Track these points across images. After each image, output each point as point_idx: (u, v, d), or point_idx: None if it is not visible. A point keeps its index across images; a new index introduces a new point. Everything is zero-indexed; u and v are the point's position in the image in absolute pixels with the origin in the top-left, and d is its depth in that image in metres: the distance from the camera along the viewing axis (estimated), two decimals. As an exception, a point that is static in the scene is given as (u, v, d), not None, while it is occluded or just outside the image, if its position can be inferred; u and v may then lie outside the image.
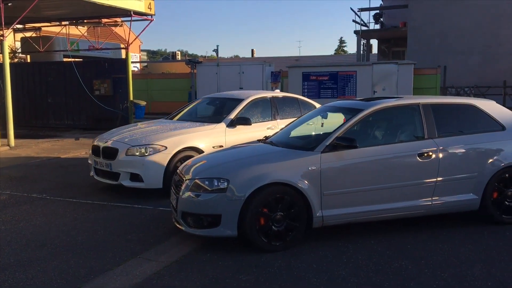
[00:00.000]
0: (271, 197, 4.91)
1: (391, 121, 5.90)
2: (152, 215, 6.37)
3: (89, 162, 8.20)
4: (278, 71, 21.48)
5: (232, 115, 8.10)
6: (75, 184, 8.38)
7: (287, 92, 15.12)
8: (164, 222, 6.01)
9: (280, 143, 5.79)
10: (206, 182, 5.02)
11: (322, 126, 6.29)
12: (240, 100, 8.44)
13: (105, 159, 7.58)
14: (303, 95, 14.19)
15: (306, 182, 5.02)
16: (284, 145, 5.68)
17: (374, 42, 31.43)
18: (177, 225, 5.29)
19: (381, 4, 29.95)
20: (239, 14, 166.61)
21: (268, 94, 9.16)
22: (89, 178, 8.81)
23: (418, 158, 5.39)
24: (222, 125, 7.99)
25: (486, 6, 21.77)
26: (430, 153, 5.43)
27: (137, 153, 7.28)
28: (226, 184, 4.91)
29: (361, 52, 27.96)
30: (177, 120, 8.82)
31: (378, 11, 28.82)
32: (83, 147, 13.02)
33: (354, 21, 27.05)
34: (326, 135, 5.39)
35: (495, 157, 5.66)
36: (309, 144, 5.48)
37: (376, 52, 31.83)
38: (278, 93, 9.67)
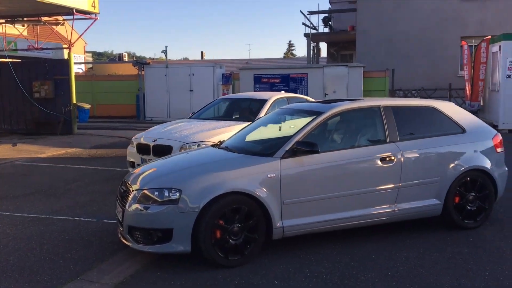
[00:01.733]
0: (228, 208, 4.51)
1: (352, 124, 5.64)
2: (95, 229, 5.80)
3: (131, 160, 8.23)
4: (229, 73, 21.17)
5: (262, 114, 8.53)
6: (10, 195, 7.62)
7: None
8: (108, 237, 5.45)
9: (236, 149, 5.39)
10: (156, 193, 4.56)
11: (280, 130, 5.96)
12: (265, 100, 9.01)
13: (156, 156, 7.59)
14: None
15: (264, 190, 4.65)
16: (241, 151, 5.28)
17: (323, 46, 31.73)
18: (124, 241, 4.78)
19: (329, 7, 30.24)
20: (188, 16, 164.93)
21: (284, 95, 9.84)
22: (25, 189, 8.10)
23: (380, 162, 5.15)
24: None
25: (431, 10, 22.35)
26: (393, 157, 5.20)
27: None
28: (178, 194, 4.47)
29: (311, 55, 28.07)
30: (202, 119, 9.14)
31: (327, 15, 29.06)
32: (21, 153, 12.10)
33: (304, 24, 27.13)
34: (285, 139, 5.04)
35: (456, 161, 5.51)
36: (267, 149, 5.11)
37: (326, 55, 32.11)
38: (288, 94, 10.25)
